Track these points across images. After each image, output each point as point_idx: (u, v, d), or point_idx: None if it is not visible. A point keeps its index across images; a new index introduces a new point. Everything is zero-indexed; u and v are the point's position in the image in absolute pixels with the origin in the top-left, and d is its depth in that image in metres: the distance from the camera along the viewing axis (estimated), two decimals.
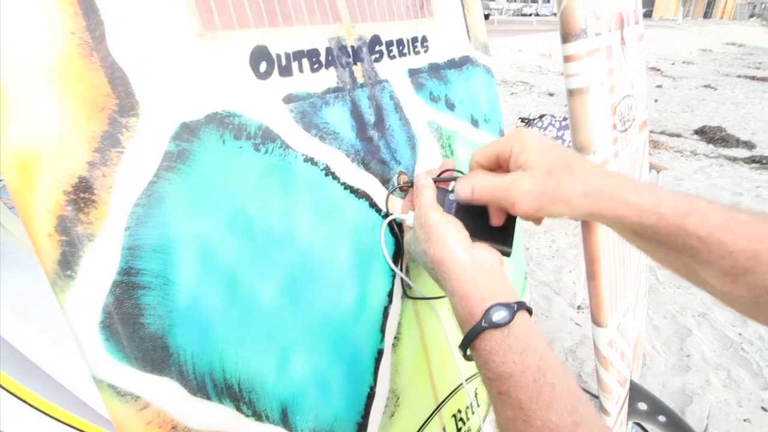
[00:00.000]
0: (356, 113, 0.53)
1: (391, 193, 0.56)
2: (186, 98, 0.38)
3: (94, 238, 0.32)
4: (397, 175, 0.57)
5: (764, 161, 6.10)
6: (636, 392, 1.74)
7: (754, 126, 7.99)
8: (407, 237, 0.54)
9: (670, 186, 5.06)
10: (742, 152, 6.51)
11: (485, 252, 0.50)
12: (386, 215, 0.55)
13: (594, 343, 1.27)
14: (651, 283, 3.18)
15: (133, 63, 0.34)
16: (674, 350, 2.64)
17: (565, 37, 0.89)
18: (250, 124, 0.43)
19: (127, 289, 0.33)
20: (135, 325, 0.34)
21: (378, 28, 0.56)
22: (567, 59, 0.93)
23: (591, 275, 1.24)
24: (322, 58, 0.50)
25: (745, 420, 2.21)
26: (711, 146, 6.83)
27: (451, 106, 0.67)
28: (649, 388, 1.56)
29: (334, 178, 0.50)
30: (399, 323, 0.58)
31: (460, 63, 0.70)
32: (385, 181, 0.56)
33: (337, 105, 0.51)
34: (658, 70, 13.51)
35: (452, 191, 0.54)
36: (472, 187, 0.49)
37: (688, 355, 2.61)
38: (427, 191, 0.52)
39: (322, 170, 0.49)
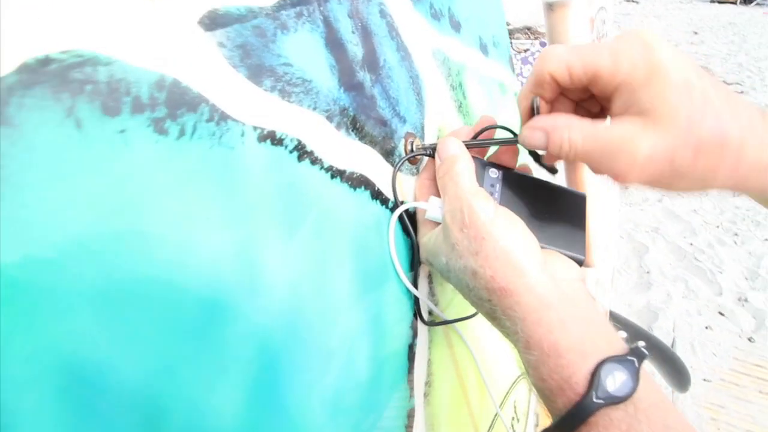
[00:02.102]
0: (334, 42, 0.31)
1: (400, 168, 0.35)
2: None
3: None
4: (403, 140, 0.36)
5: None
6: (616, 322, 1.71)
7: (676, 37, 8.19)
8: (427, 240, 0.34)
9: None
10: None
11: (562, 267, 0.31)
12: (395, 206, 0.35)
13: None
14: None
15: None
16: (634, 268, 2.68)
17: None
18: (135, 79, 0.20)
19: None
20: None
21: None
22: None
23: None
24: None
25: (706, 327, 2.29)
26: None
27: (456, 26, 0.45)
28: (616, 310, 1.52)
29: (313, 161, 0.29)
30: (429, 361, 0.39)
31: None
32: (388, 153, 0.35)
33: (303, 29, 0.29)
34: None
35: (490, 163, 0.34)
36: (550, 141, 0.29)
37: (648, 272, 2.65)
38: (462, 164, 0.32)
39: (291, 151, 0.27)
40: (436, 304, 0.39)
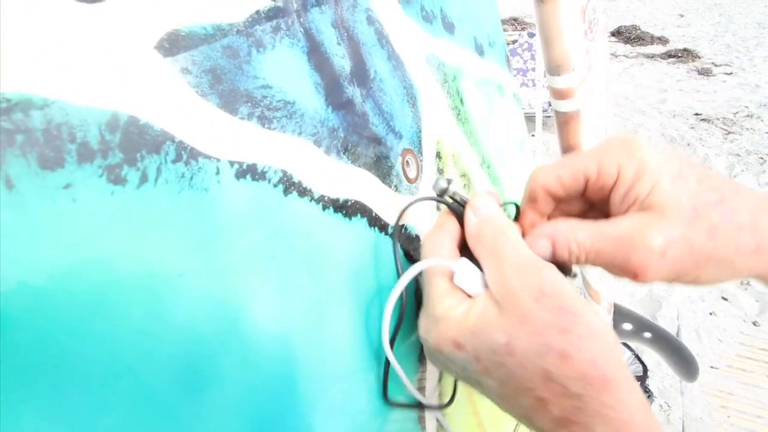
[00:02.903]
0: (318, 57, 0.28)
1: (413, 204, 0.31)
2: None
3: None
4: (400, 158, 0.33)
5: (679, 54, 6.27)
6: (620, 314, 1.69)
7: (663, 21, 8.19)
8: (460, 314, 0.26)
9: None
10: (659, 48, 6.65)
11: None
12: (407, 255, 0.31)
13: (584, 282, 1.15)
14: None
15: None
16: None
17: None
18: (80, 121, 0.17)
19: None
20: None
21: None
22: None
23: None
24: None
25: (710, 314, 2.27)
26: (629, 46, 6.93)
27: (450, 27, 0.42)
28: (619, 301, 1.50)
29: (302, 192, 0.25)
30: (439, 395, 0.36)
31: None
32: (384, 174, 0.31)
33: (281, 45, 0.25)
34: None
35: None
36: (556, 248, 0.27)
37: None
38: (517, 230, 0.28)
39: (276, 185, 0.24)
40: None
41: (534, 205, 0.29)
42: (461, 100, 0.43)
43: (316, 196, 0.26)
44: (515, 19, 7.61)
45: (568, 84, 1.10)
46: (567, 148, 1.16)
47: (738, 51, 6.46)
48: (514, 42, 4.32)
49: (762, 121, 4.19)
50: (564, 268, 0.27)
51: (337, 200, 0.28)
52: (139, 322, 0.18)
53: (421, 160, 0.35)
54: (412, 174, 0.34)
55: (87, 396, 0.17)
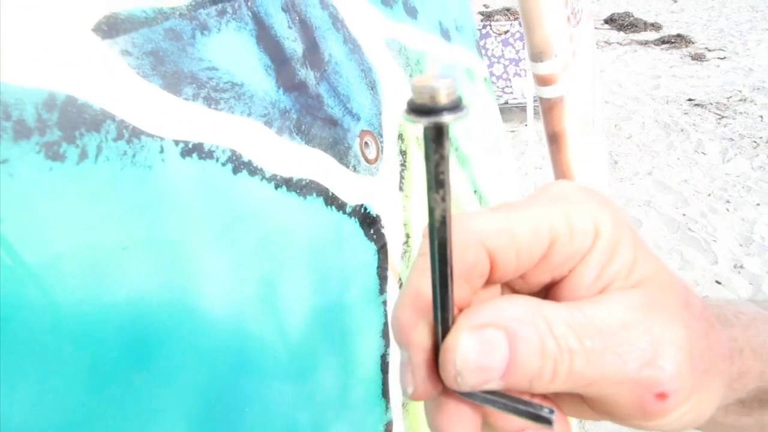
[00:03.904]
0: (267, 40, 0.28)
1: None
2: None
3: None
4: (358, 139, 0.34)
5: (672, 40, 6.26)
6: None
7: (656, 6, 8.17)
8: None
9: None
10: (652, 35, 6.64)
11: None
12: (366, 235, 0.32)
13: None
14: None
15: None
16: None
17: None
18: (15, 100, 0.18)
19: None
20: None
21: None
22: None
23: None
24: None
25: (704, 297, 2.28)
26: (622, 33, 6.91)
27: (412, 12, 0.43)
28: None
29: (252, 171, 0.26)
30: None
31: None
32: (341, 155, 0.32)
33: (228, 29, 0.26)
34: None
35: None
36: (517, 350, 0.16)
37: None
38: None
39: (224, 163, 0.25)
40: None
41: (460, 284, 0.17)
42: None
43: (267, 175, 0.27)
44: (508, 9, 7.58)
45: (551, 70, 1.11)
46: (552, 135, 1.17)
47: (731, 35, 6.45)
48: (506, 32, 4.31)
49: (755, 104, 4.19)
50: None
51: (291, 179, 0.28)
52: (82, 292, 0.19)
53: (382, 142, 0.36)
54: (371, 155, 0.35)
55: (34, 362, 0.18)
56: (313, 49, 0.31)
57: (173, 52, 0.23)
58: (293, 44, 0.30)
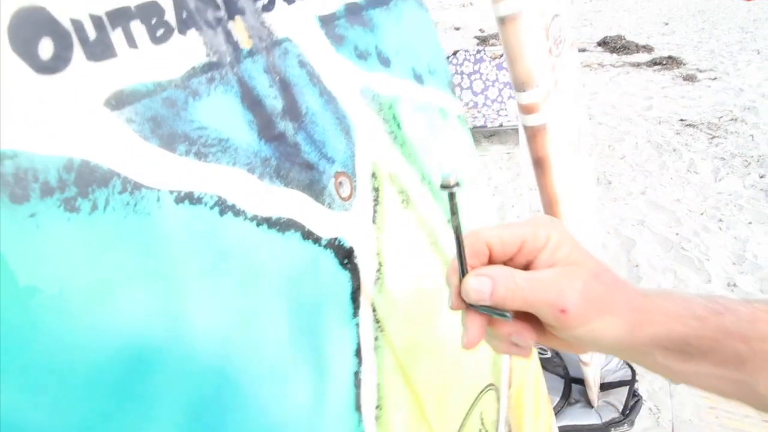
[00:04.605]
0: (251, 99, 0.33)
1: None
2: None
3: None
4: (333, 179, 0.38)
5: (664, 62, 6.39)
6: None
7: (648, 29, 8.34)
8: None
9: (587, 101, 5.17)
10: (644, 57, 6.77)
11: None
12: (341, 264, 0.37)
13: None
14: None
15: None
16: (623, 263, 2.70)
17: None
18: (40, 166, 0.22)
19: None
20: None
21: None
22: None
23: (550, 214, 1.14)
24: (170, 17, 0.29)
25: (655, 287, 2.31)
26: (615, 56, 7.05)
27: (385, 62, 0.48)
28: None
29: (236, 213, 0.31)
30: (378, 385, 0.40)
31: None
32: (317, 194, 0.37)
33: (216, 92, 0.31)
34: None
35: None
36: (496, 286, 0.32)
37: (637, 265, 2.67)
38: None
39: (212, 207, 0.29)
40: (381, 330, 0.41)
41: (473, 259, 0.34)
42: (398, 125, 0.48)
43: (249, 216, 0.31)
44: None
45: (533, 99, 1.16)
46: (537, 160, 1.22)
47: (722, 56, 6.58)
48: (501, 56, 4.42)
49: (746, 124, 4.27)
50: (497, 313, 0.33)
51: (270, 218, 0.33)
52: (92, 319, 0.23)
53: (355, 181, 0.40)
54: (345, 193, 0.39)
55: (54, 375, 0.22)
56: (291, 103, 0.36)
57: (169, 116, 0.28)
58: (274, 101, 0.35)
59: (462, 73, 4.48)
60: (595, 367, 1.78)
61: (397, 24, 0.51)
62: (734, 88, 5.23)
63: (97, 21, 0.25)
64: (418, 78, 0.54)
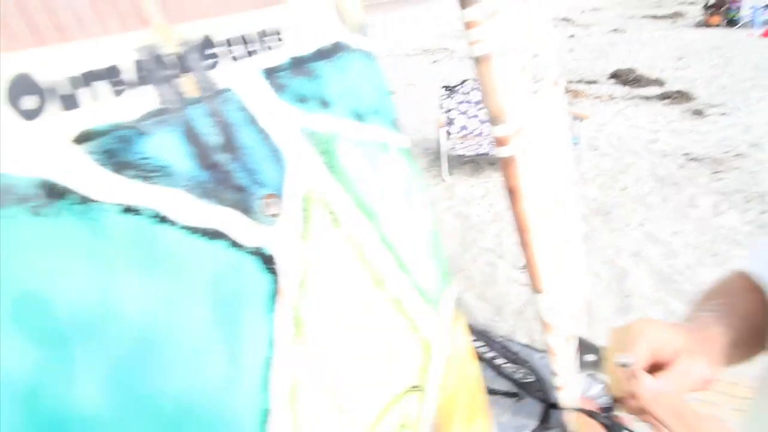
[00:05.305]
0: (192, 137, 0.43)
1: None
2: None
3: None
4: (261, 201, 0.48)
5: (674, 96, 6.45)
6: (584, 347, 1.78)
7: (661, 64, 8.42)
8: None
9: (593, 132, 5.23)
10: (655, 90, 6.84)
11: None
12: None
13: (537, 309, 1.28)
14: (586, 231, 3.29)
15: None
16: (615, 293, 2.74)
17: (463, 2, 0.84)
18: (18, 183, 0.32)
19: None
20: None
21: (208, 26, 0.46)
22: (468, 25, 0.88)
23: (523, 243, 1.22)
24: (129, 76, 0.39)
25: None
26: (627, 88, 7.14)
27: (325, 105, 0.58)
28: (595, 335, 1.59)
29: (171, 223, 0.40)
30: (293, 373, 0.49)
31: (331, 52, 0.60)
32: (246, 211, 0.46)
33: (163, 132, 0.41)
34: (570, 20, 13.90)
35: None
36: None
37: (628, 296, 2.71)
38: None
39: (150, 218, 0.39)
40: (300, 326, 0.50)
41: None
42: (335, 158, 0.58)
43: (181, 225, 0.41)
44: None
45: (505, 133, 1.27)
46: (509, 189, 1.31)
47: (733, 92, 6.62)
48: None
49: (750, 160, 4.30)
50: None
51: (200, 228, 0.42)
52: (45, 293, 0.32)
53: (282, 201, 0.50)
54: (272, 211, 0.49)
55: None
56: (228, 140, 0.46)
57: (122, 149, 0.38)
58: (212, 138, 0.45)
59: (469, 101, 4.61)
60: (570, 392, 1.82)
61: (340, 73, 0.61)
62: (743, 124, 5.26)
63: (72, 81, 0.35)
64: (360, 117, 0.63)
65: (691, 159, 4.38)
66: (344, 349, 0.55)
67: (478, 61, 1.06)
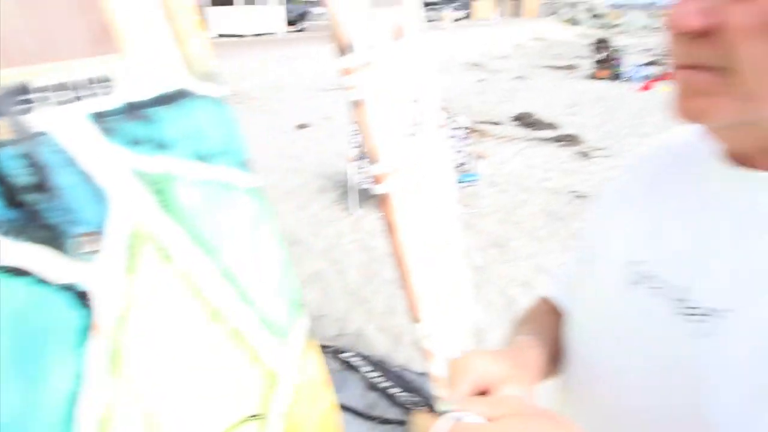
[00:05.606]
0: (3, 178, 0.45)
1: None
2: None
3: None
4: (80, 237, 0.50)
5: (566, 139, 7.14)
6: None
7: (557, 110, 9.31)
8: None
9: (494, 170, 5.63)
10: (549, 133, 7.54)
11: None
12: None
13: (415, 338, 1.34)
14: (479, 263, 3.51)
15: None
16: (506, 320, 2.93)
17: (339, 50, 0.89)
18: None
19: None
20: None
21: (26, 73, 0.48)
22: (343, 72, 0.94)
23: (401, 274, 1.29)
24: None
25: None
26: (527, 130, 7.79)
27: (162, 147, 0.61)
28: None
29: None
30: (106, 405, 0.51)
31: (174, 98, 0.64)
32: (59, 247, 0.48)
33: None
34: (480, 65, 14.99)
35: None
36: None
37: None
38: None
39: None
40: (117, 359, 0.52)
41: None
42: (170, 197, 0.61)
43: None
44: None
45: (380, 171, 1.35)
46: (389, 224, 1.39)
47: (617, 137, 7.47)
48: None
49: None
50: None
51: (10, 267, 0.44)
52: None
53: (102, 239, 0.52)
54: (89, 248, 0.51)
55: None
56: (44, 180, 0.48)
57: None
58: (26, 178, 0.47)
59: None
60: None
61: (184, 117, 0.65)
62: (622, 165, 5.92)
63: None
64: (203, 158, 0.68)
65: (577, 196, 4.85)
66: (168, 381, 0.58)
67: (354, 104, 1.15)
